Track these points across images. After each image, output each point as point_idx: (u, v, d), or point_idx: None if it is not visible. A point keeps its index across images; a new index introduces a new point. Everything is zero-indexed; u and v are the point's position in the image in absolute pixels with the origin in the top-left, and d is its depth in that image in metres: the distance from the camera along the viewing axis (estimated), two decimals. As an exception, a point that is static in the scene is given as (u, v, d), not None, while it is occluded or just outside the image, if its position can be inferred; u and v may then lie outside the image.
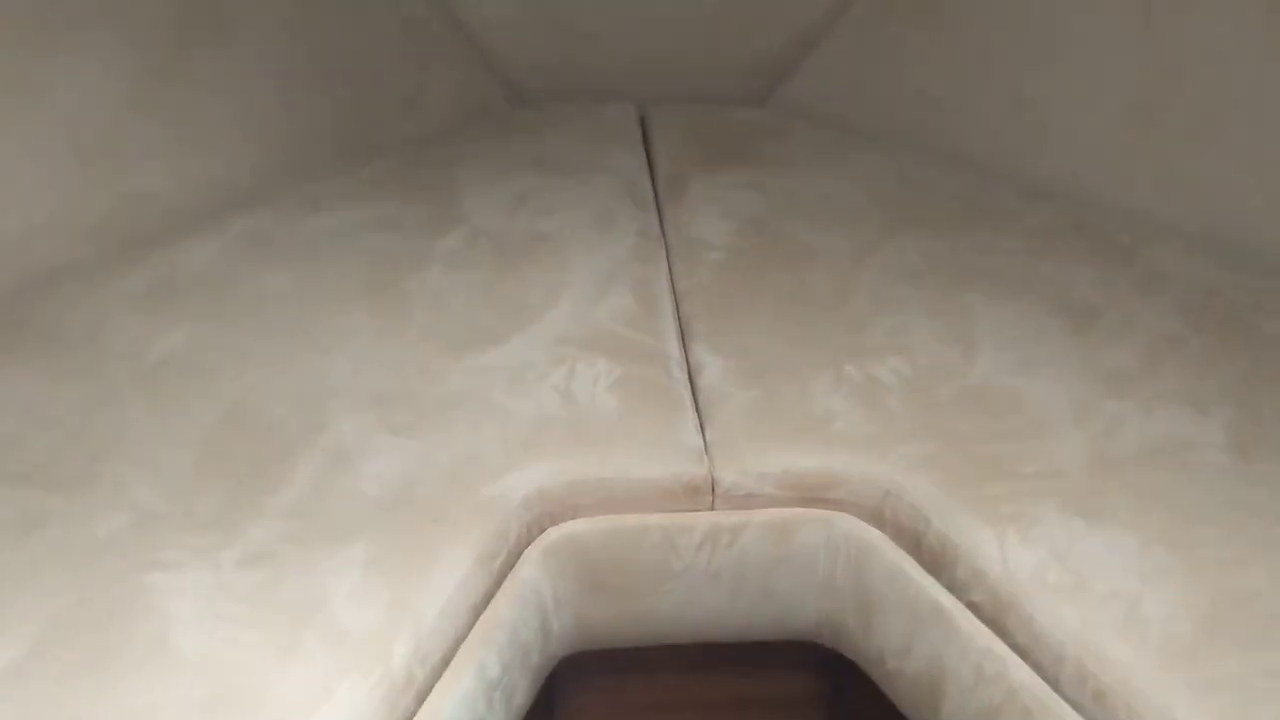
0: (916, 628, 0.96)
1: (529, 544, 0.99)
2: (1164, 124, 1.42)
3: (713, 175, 1.53)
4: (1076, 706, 0.84)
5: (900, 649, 0.98)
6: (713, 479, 1.03)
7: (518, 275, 1.29)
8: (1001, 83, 1.57)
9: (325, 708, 0.78)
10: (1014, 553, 0.92)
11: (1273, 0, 1.34)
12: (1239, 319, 1.21)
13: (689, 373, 1.16)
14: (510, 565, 0.97)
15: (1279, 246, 1.31)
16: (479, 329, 1.19)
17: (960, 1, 1.60)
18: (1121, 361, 1.15)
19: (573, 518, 1.02)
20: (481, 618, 0.92)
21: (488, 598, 0.93)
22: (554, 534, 1.01)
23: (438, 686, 0.85)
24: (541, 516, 1.00)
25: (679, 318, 1.25)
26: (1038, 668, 0.87)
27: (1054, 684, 0.86)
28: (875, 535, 1.01)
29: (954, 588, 0.95)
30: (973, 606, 0.93)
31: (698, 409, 1.11)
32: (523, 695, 0.96)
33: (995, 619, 0.91)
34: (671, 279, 1.32)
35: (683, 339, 1.22)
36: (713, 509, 1.03)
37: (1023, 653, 0.88)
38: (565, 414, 1.08)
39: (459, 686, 0.86)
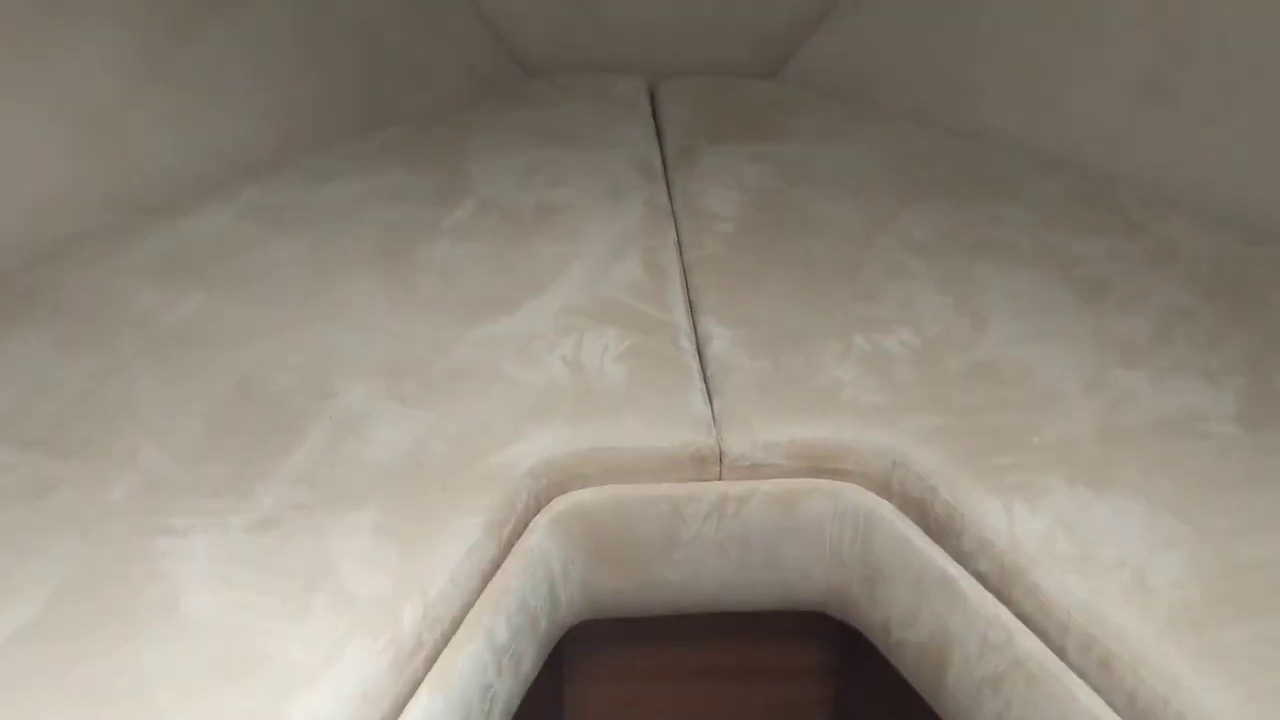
0: (923, 597, 0.96)
1: (537, 512, 1.00)
2: (1176, 98, 1.42)
3: (722, 147, 1.53)
4: (1082, 674, 0.84)
5: (906, 618, 0.98)
6: (720, 449, 1.03)
7: (526, 246, 1.29)
8: (1013, 56, 1.56)
9: (333, 670, 0.78)
10: (1021, 522, 0.92)
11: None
12: (1250, 291, 1.21)
13: (697, 343, 1.16)
14: (518, 533, 0.97)
15: (1292, 219, 1.30)
16: (488, 299, 1.19)
17: (973, -27, 1.59)
18: (1132, 333, 1.14)
19: (580, 487, 1.02)
20: (490, 584, 0.92)
21: (496, 565, 0.94)
22: (562, 503, 1.01)
23: (446, 651, 0.85)
24: (549, 485, 1.01)
25: (688, 289, 1.25)
26: (1044, 636, 0.87)
27: (1060, 652, 0.86)
28: (882, 505, 1.01)
29: (960, 557, 0.95)
30: (979, 576, 0.93)
31: (706, 379, 1.11)
32: (530, 662, 0.96)
33: (1001, 588, 0.91)
34: (680, 250, 1.31)
35: (691, 310, 1.22)
36: (720, 479, 1.03)
37: (1029, 621, 0.88)
38: (573, 384, 1.08)
39: (467, 651, 0.86)
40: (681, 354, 1.13)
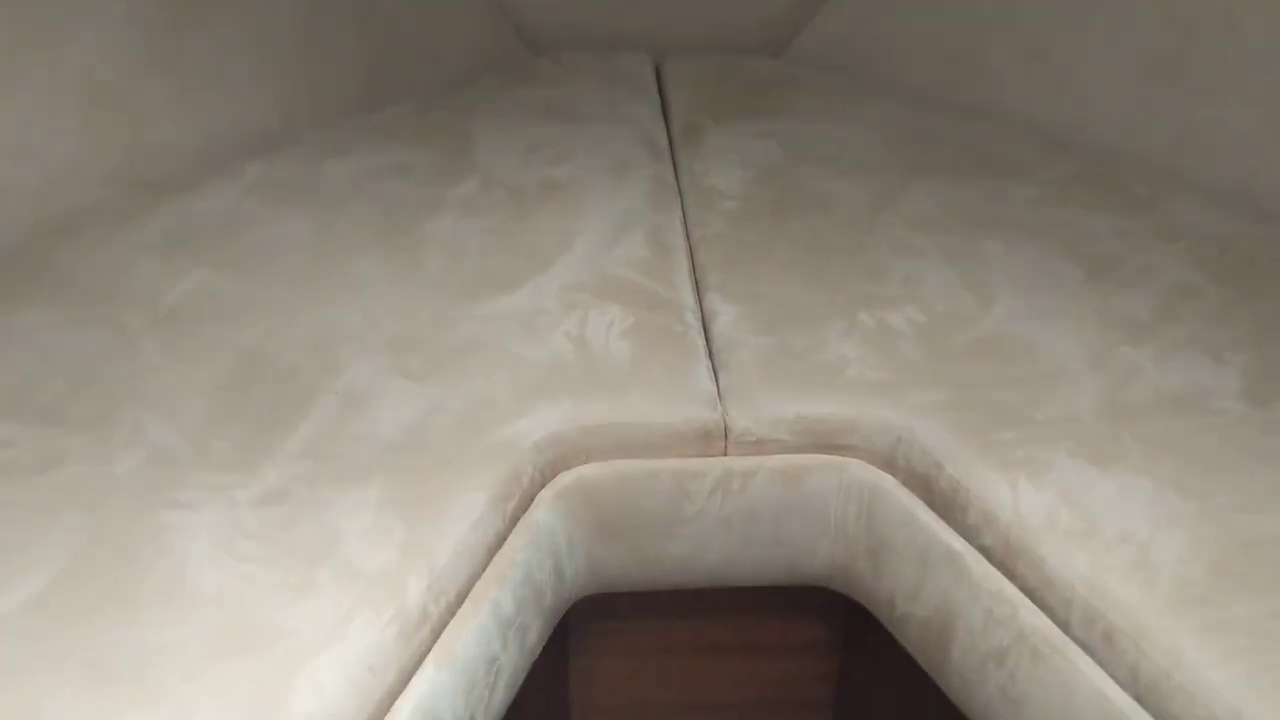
0: (927, 572, 0.96)
1: (542, 487, 1.00)
2: (1182, 76, 1.41)
3: (728, 125, 1.52)
4: (1086, 648, 0.84)
5: (910, 593, 0.99)
6: (725, 424, 1.03)
7: (531, 223, 1.29)
8: (1020, 33, 1.55)
9: (339, 643, 0.78)
10: (1026, 497, 0.92)
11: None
12: (1257, 269, 1.21)
13: (702, 320, 1.16)
14: (524, 508, 0.97)
15: (1299, 197, 1.30)
16: (492, 276, 1.19)
17: (980, -51, 1.58)
18: (1137, 310, 1.14)
19: (585, 462, 1.02)
20: (495, 558, 0.92)
21: (501, 539, 0.94)
22: (567, 478, 1.01)
23: (451, 624, 0.86)
24: (555, 460, 1.01)
25: (693, 266, 1.25)
26: (1048, 610, 0.87)
27: (1064, 626, 0.86)
28: (887, 480, 1.01)
29: (965, 532, 0.95)
30: (984, 550, 0.93)
31: (711, 356, 1.11)
32: (536, 635, 0.97)
33: (1006, 562, 0.91)
34: (686, 227, 1.31)
35: (696, 287, 1.22)
36: (725, 454, 1.03)
37: (1033, 596, 0.89)
38: (578, 360, 1.08)
39: (473, 624, 0.86)
40: (687, 330, 1.13)
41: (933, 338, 1.11)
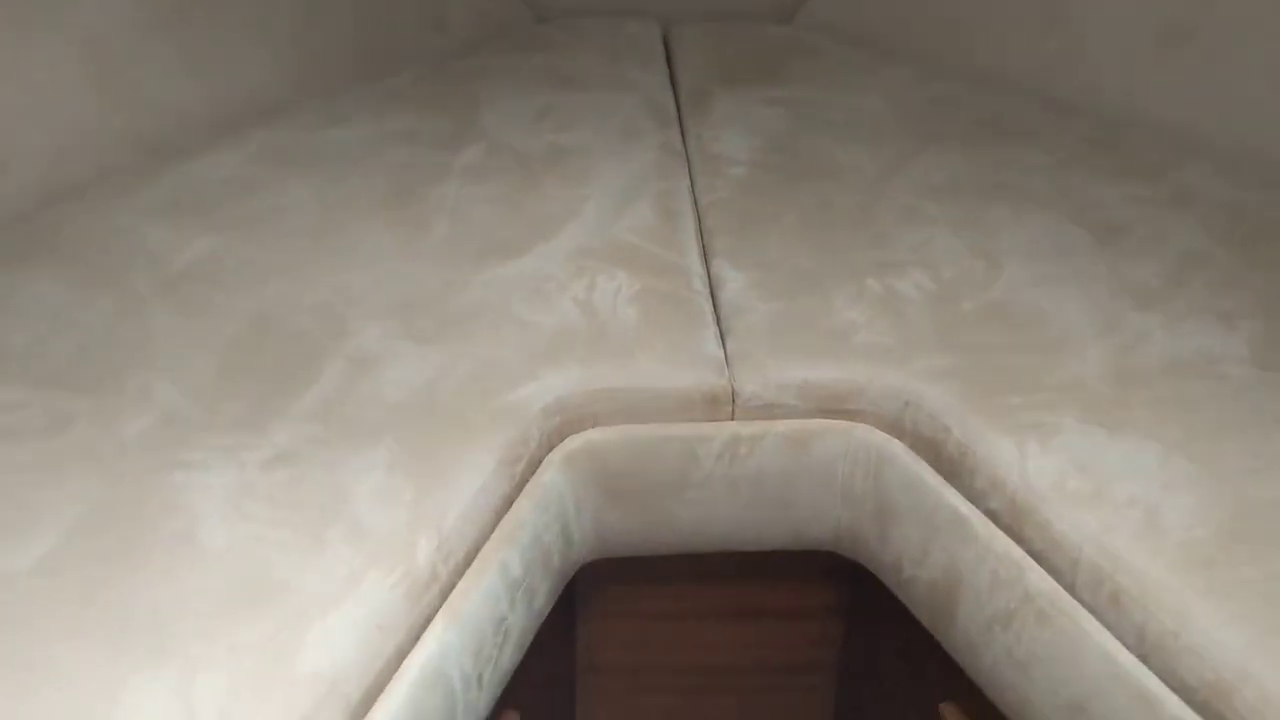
0: (934, 535, 0.97)
1: (550, 451, 1.00)
2: (1194, 43, 1.40)
3: (737, 92, 1.52)
4: (1092, 610, 0.84)
5: (917, 557, 0.99)
6: (733, 389, 1.03)
7: (538, 189, 1.29)
8: (1031, 0, 1.55)
9: (349, 601, 0.79)
10: (1033, 461, 0.92)
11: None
12: (1267, 235, 1.20)
13: (710, 286, 1.16)
14: (531, 471, 0.98)
15: (1310, 164, 1.29)
16: (499, 241, 1.19)
17: (991, -86, 1.57)
18: (1147, 276, 1.14)
19: (593, 426, 1.02)
20: (503, 520, 0.92)
21: (509, 502, 0.94)
22: (575, 442, 1.01)
23: (460, 584, 0.86)
24: (562, 425, 1.01)
25: (701, 232, 1.25)
26: (1054, 573, 0.87)
27: (1070, 588, 0.86)
28: (895, 445, 1.01)
29: (972, 496, 0.95)
30: (991, 514, 0.93)
31: (718, 321, 1.11)
32: (544, 598, 0.97)
33: (1013, 525, 0.91)
34: (694, 194, 1.31)
35: (704, 253, 1.21)
36: (732, 419, 1.03)
37: (1040, 558, 0.89)
38: (586, 325, 1.08)
39: (481, 584, 0.87)
40: (695, 296, 1.13)
41: (941, 303, 1.10)
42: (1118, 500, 0.88)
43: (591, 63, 1.59)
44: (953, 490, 0.96)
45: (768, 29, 1.72)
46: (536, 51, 1.63)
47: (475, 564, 0.88)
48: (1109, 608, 0.83)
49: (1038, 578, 0.88)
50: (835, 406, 1.03)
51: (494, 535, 0.91)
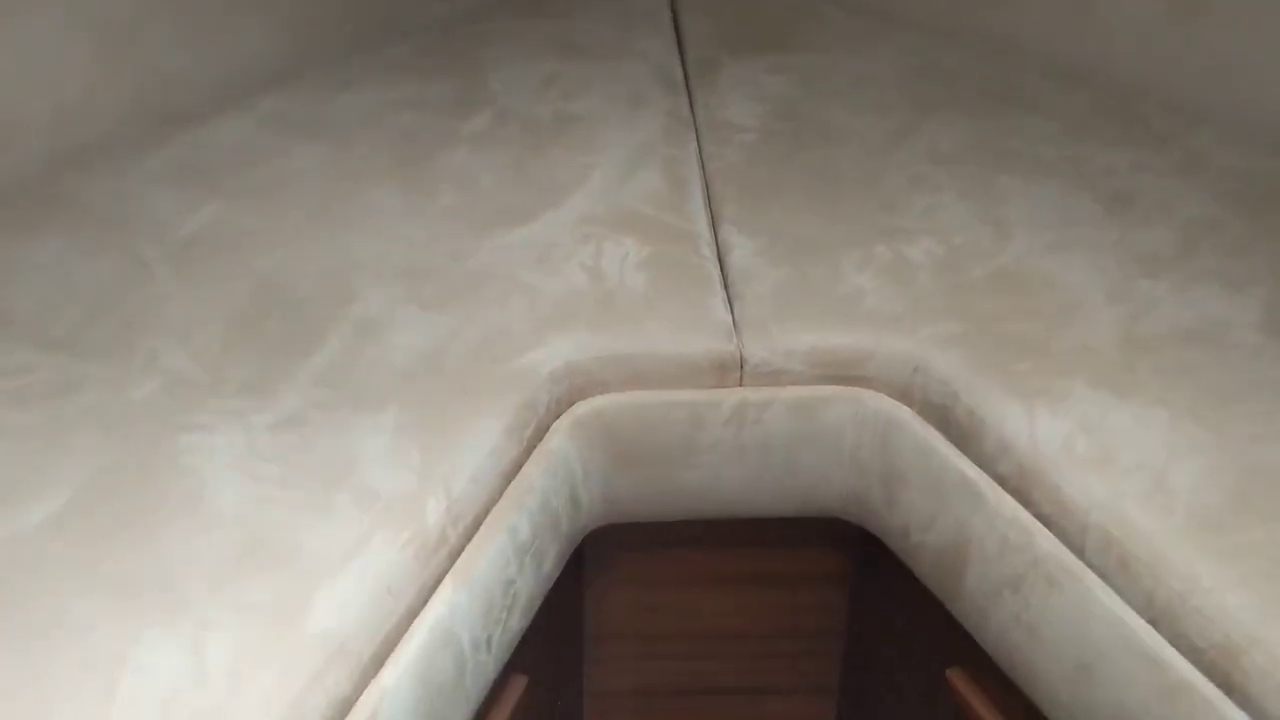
0: (941, 501, 0.97)
1: (558, 416, 1.00)
2: (1204, 9, 1.39)
3: (744, 59, 1.51)
4: (1101, 574, 0.84)
5: (925, 522, 0.99)
6: (741, 355, 1.03)
7: (545, 156, 1.28)
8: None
9: (358, 562, 0.79)
10: (1042, 426, 0.92)
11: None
12: (1277, 204, 1.19)
13: (718, 252, 1.16)
14: (539, 436, 0.98)
15: (1321, 132, 1.28)
16: (506, 208, 1.19)
17: (1001, -120, 1.56)
18: (1156, 243, 1.13)
19: (601, 392, 1.02)
20: (512, 484, 0.92)
21: (517, 466, 0.94)
22: (583, 407, 1.01)
23: (469, 547, 0.86)
24: (570, 390, 1.01)
25: (708, 199, 1.24)
26: (1063, 537, 0.87)
27: (1079, 552, 0.86)
28: (903, 411, 1.01)
29: (981, 461, 0.95)
30: (999, 479, 0.93)
31: (727, 287, 1.11)
32: (552, 562, 0.97)
33: (1021, 490, 0.91)
34: (701, 161, 1.30)
35: (712, 219, 1.21)
36: (741, 385, 1.03)
37: (1048, 523, 0.89)
38: (593, 291, 1.08)
39: (491, 547, 0.87)
40: (703, 262, 1.13)
41: (950, 270, 1.10)
42: (1126, 465, 0.88)
43: (598, 30, 1.58)
44: (961, 456, 0.96)
45: (775, -4, 1.71)
46: (543, 18, 1.62)
47: (484, 527, 0.88)
48: (1117, 571, 0.83)
49: (1046, 542, 0.88)
50: (844, 373, 1.03)
51: (502, 499, 0.91)
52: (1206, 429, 0.91)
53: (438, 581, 0.83)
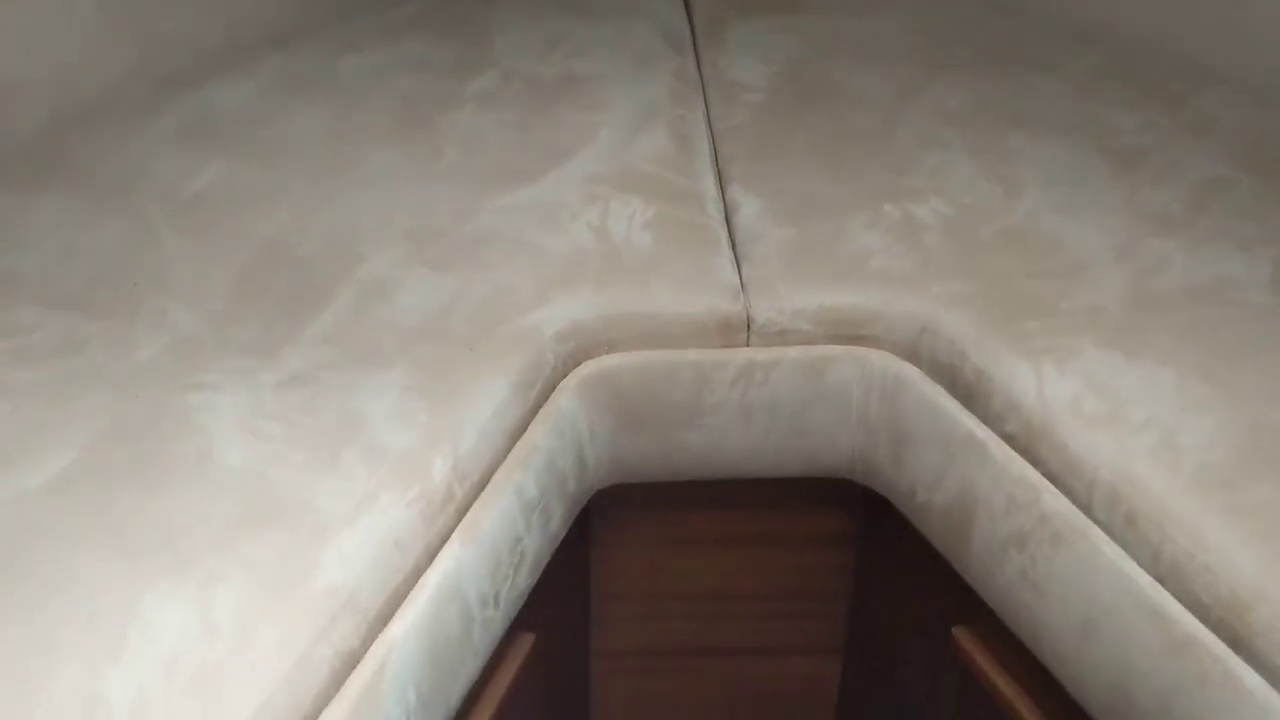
0: (949, 460, 0.96)
1: (564, 376, 1.00)
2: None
3: (752, 19, 1.49)
4: (1108, 530, 0.84)
5: (932, 481, 0.99)
6: (748, 315, 1.03)
7: (550, 116, 1.27)
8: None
9: (365, 518, 0.79)
10: (1050, 384, 0.92)
11: None
12: (1290, 162, 1.19)
13: (725, 212, 1.15)
14: (546, 395, 0.97)
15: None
16: (512, 168, 1.18)
17: None
18: (1167, 203, 1.12)
19: (608, 352, 1.02)
20: (518, 443, 0.92)
21: (523, 426, 0.94)
22: (590, 367, 1.01)
23: (476, 504, 0.86)
24: (577, 350, 1.00)
25: (716, 158, 1.24)
26: (1070, 494, 0.87)
27: (1086, 509, 0.86)
28: (910, 370, 1.01)
29: (988, 419, 0.94)
30: (1007, 437, 0.93)
31: (734, 247, 1.10)
32: (559, 521, 0.97)
33: (1029, 448, 0.91)
34: (709, 121, 1.30)
35: (719, 179, 1.20)
36: (747, 345, 1.03)
37: (1055, 480, 0.88)
38: (600, 250, 1.07)
39: (498, 505, 0.87)
40: (709, 222, 1.12)
41: (958, 229, 1.09)
42: (1134, 423, 0.88)
43: (604, -10, 1.57)
44: (969, 414, 0.96)
45: (782, -44, 1.69)
46: (549, -21, 1.60)
47: (490, 486, 0.88)
48: (1125, 528, 0.83)
49: (1053, 499, 0.88)
50: (851, 332, 1.03)
51: (509, 458, 0.91)
52: (1215, 387, 0.90)
53: (445, 538, 0.83)
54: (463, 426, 0.88)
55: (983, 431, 0.94)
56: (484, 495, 0.87)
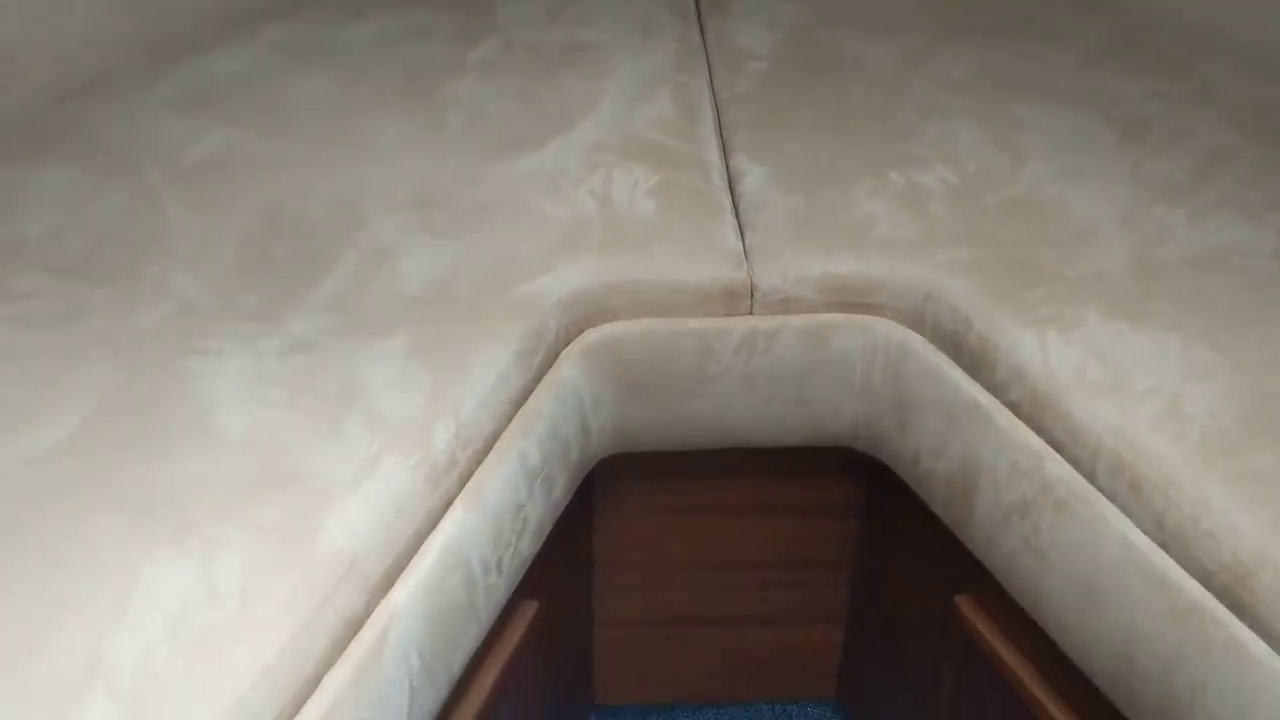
0: (953, 427, 0.96)
1: (567, 344, 1.00)
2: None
3: (756, -14, 1.49)
4: (1111, 497, 0.84)
5: (935, 449, 0.98)
6: (751, 283, 1.02)
7: (554, 84, 1.27)
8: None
9: (367, 484, 0.79)
10: (1055, 352, 0.92)
11: None
12: (1296, 131, 1.18)
13: (729, 179, 1.15)
14: (549, 363, 0.97)
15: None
16: (515, 136, 1.18)
17: None
18: (1172, 171, 1.12)
19: (611, 320, 1.01)
20: (521, 410, 0.92)
21: (526, 393, 0.94)
22: (593, 335, 1.01)
23: (479, 470, 0.86)
24: (580, 318, 1.00)
25: (720, 126, 1.23)
26: (1074, 461, 0.87)
27: (1090, 476, 0.86)
28: (914, 338, 1.01)
29: (993, 387, 0.94)
30: (1011, 405, 0.93)
31: (737, 214, 1.10)
32: (561, 489, 0.97)
33: (1033, 416, 0.91)
34: (713, 88, 1.29)
35: (723, 147, 1.20)
36: (751, 313, 1.03)
37: (1060, 448, 0.88)
38: (603, 218, 1.07)
39: (501, 471, 0.87)
40: (713, 190, 1.12)
41: (963, 197, 1.09)
42: (1139, 390, 0.88)
43: (608, -42, 1.56)
44: (973, 382, 0.95)
45: (788, -76, 1.68)
46: (551, -53, 1.59)
47: (494, 452, 0.88)
48: (1128, 495, 0.83)
49: (1057, 467, 0.87)
50: (855, 300, 1.02)
51: (512, 425, 0.91)
52: (1220, 354, 0.90)
53: (447, 504, 0.83)
54: (465, 393, 0.88)
55: (986, 399, 0.94)
56: (487, 462, 0.87)
